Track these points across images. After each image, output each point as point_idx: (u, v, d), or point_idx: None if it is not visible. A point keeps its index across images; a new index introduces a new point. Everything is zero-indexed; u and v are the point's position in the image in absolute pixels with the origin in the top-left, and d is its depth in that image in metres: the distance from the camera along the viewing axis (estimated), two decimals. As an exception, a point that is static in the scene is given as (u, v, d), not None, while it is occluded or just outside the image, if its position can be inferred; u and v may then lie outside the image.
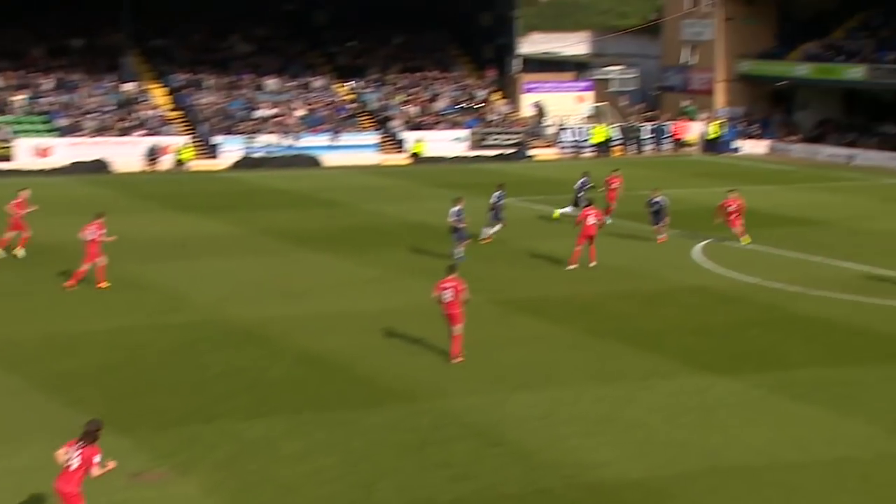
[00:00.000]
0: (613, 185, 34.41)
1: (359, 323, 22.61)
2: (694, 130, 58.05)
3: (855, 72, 54.30)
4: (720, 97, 59.58)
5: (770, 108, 60.11)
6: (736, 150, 57.33)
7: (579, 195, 33.81)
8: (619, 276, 27.28)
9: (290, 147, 51.86)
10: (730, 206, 30.19)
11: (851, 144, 53.93)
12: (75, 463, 12.32)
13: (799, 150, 55.61)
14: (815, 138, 56.14)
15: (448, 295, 19.80)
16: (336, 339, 21.31)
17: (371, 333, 21.81)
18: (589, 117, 59.16)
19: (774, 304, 24.39)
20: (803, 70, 56.71)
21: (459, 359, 19.78)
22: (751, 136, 58.00)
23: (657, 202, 31.04)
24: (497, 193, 30.80)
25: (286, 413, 17.27)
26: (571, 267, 27.54)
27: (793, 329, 22.33)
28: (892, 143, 52.68)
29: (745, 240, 30.04)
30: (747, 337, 21.72)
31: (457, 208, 27.92)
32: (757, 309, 24.02)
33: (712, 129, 57.22)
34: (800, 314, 23.51)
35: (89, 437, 12.49)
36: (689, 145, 57.77)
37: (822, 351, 20.75)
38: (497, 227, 30.71)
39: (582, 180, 34.42)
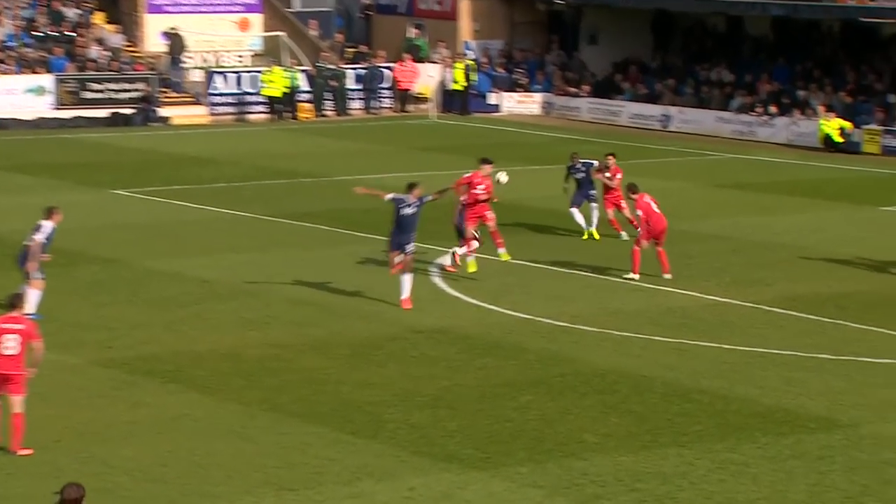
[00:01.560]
0: (616, 179, 34.54)
1: None
2: (427, 77, 59.36)
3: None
4: (466, 24, 61.29)
5: (543, 41, 62.37)
6: (493, 107, 59.13)
7: (591, 192, 34.78)
8: (315, 315, 27.48)
9: None
10: (473, 183, 30.21)
11: (660, 98, 56.60)
12: None
13: (588, 107, 58.03)
14: (612, 89, 58.66)
15: (11, 344, 19.45)
16: None
17: None
18: (258, 55, 59.35)
19: (557, 354, 25.20)
20: (592, -18, 59.42)
21: (26, 452, 19.65)
22: (515, 87, 60.00)
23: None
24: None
25: None
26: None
27: (585, 392, 23.09)
28: (722, 97, 55.68)
29: (504, 255, 30.81)
30: (516, 406, 22.28)
31: (49, 224, 27.14)
32: (531, 362, 24.75)
33: (456, 76, 58.78)
34: (595, 368, 24.38)
35: None
36: (421, 100, 59.07)
37: (627, 426, 21.52)
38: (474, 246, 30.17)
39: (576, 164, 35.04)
